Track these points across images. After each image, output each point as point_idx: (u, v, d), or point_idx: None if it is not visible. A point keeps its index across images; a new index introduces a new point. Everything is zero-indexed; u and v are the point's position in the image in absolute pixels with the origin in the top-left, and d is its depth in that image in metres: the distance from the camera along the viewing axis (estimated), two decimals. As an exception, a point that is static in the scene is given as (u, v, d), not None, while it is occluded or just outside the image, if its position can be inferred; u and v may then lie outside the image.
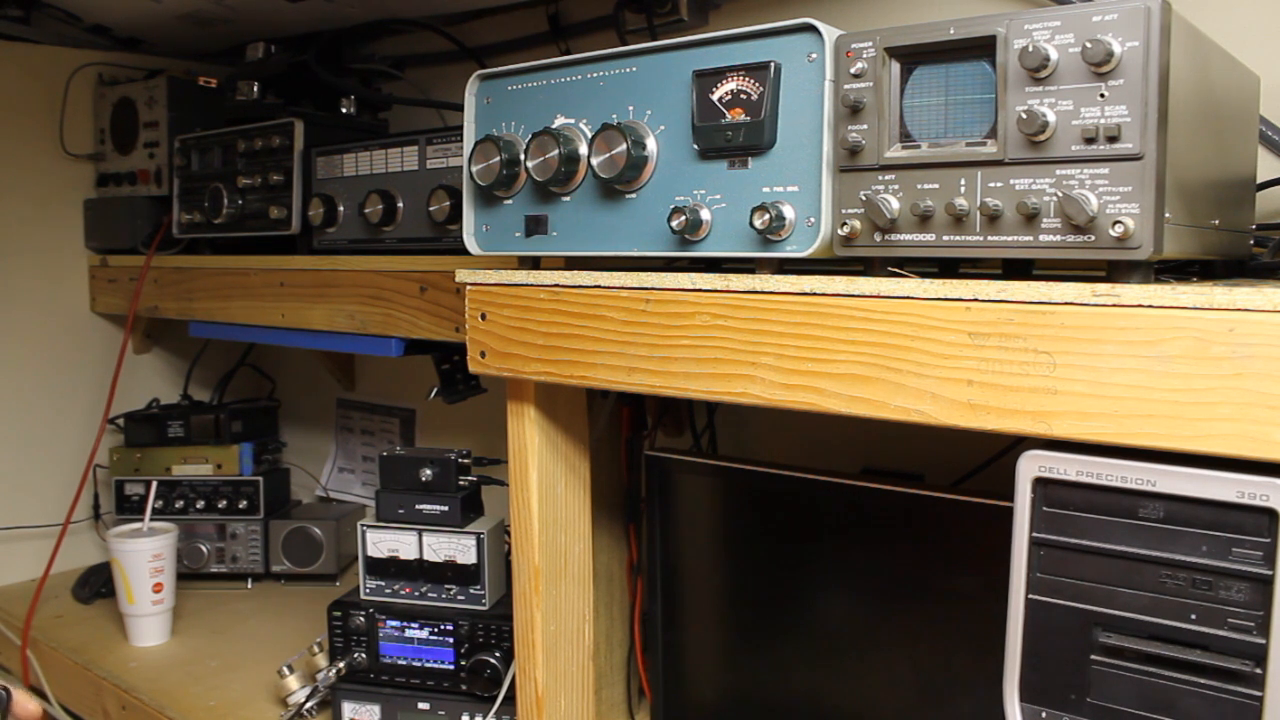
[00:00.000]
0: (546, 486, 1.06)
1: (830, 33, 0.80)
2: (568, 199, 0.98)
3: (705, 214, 0.88)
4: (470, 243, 1.05)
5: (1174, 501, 0.65)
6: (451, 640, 1.29)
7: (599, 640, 1.20)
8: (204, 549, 1.82)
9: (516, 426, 1.05)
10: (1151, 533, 0.66)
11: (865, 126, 0.77)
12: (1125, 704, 0.67)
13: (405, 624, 1.30)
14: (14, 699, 1.12)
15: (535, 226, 1.00)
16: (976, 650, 0.94)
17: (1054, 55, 0.68)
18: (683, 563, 1.17)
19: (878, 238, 0.78)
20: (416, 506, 1.32)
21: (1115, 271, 0.69)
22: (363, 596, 1.34)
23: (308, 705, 1.33)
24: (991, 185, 0.72)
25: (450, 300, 1.25)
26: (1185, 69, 0.69)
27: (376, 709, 1.32)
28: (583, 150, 0.95)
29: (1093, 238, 0.68)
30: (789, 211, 0.83)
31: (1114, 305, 0.64)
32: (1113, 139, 0.66)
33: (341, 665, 1.32)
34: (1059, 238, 0.69)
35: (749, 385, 0.82)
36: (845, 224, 0.79)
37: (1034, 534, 0.70)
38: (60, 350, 1.93)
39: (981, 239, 0.73)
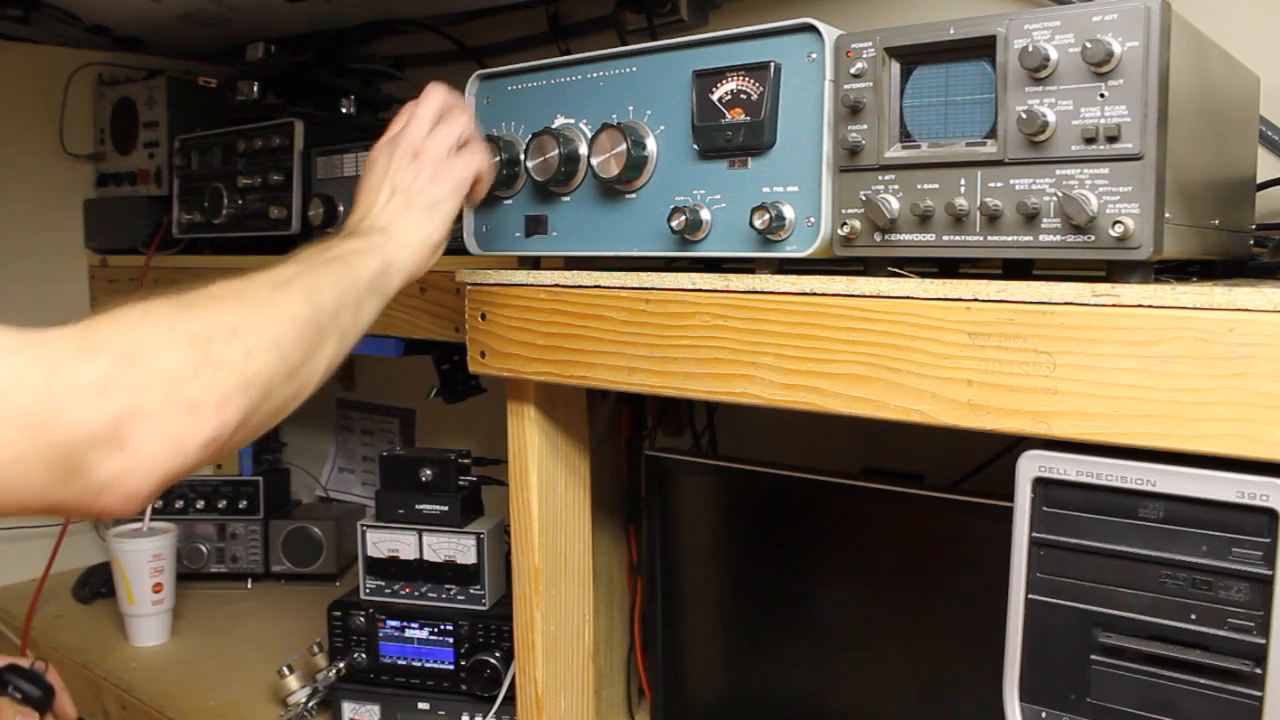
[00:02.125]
0: (546, 486, 1.06)
1: (830, 33, 0.80)
2: (568, 199, 0.98)
3: (705, 214, 0.88)
4: (470, 243, 1.05)
5: (1174, 501, 0.65)
6: (451, 640, 1.29)
7: (599, 640, 1.20)
8: (204, 549, 1.82)
9: (516, 426, 1.05)
10: (1151, 533, 0.66)
11: (865, 126, 0.77)
12: (1125, 704, 0.67)
13: (405, 624, 1.30)
14: (56, 699, 1.12)
15: (535, 226, 1.00)
16: (976, 650, 0.94)
17: (1054, 55, 0.68)
18: (683, 563, 1.17)
19: (878, 238, 0.78)
20: (416, 506, 1.32)
21: (1115, 271, 0.69)
22: (363, 596, 1.34)
23: (308, 705, 1.33)
24: (991, 185, 0.72)
25: (450, 300, 1.25)
26: (1185, 69, 0.69)
27: (376, 709, 1.32)
28: (583, 150, 0.95)
29: (1093, 238, 0.68)
30: (789, 211, 0.83)
31: (1114, 305, 0.64)
32: (1113, 139, 0.66)
33: (341, 665, 1.32)
34: (1059, 238, 0.69)
35: (749, 385, 0.82)
36: (845, 224, 0.79)
37: (1034, 534, 0.70)
38: (60, 350, 1.93)
39: (981, 239, 0.73)
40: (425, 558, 1.31)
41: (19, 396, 0.57)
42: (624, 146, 0.90)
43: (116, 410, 0.60)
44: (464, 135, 0.93)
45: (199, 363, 0.65)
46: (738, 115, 0.85)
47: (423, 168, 0.90)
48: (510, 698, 1.19)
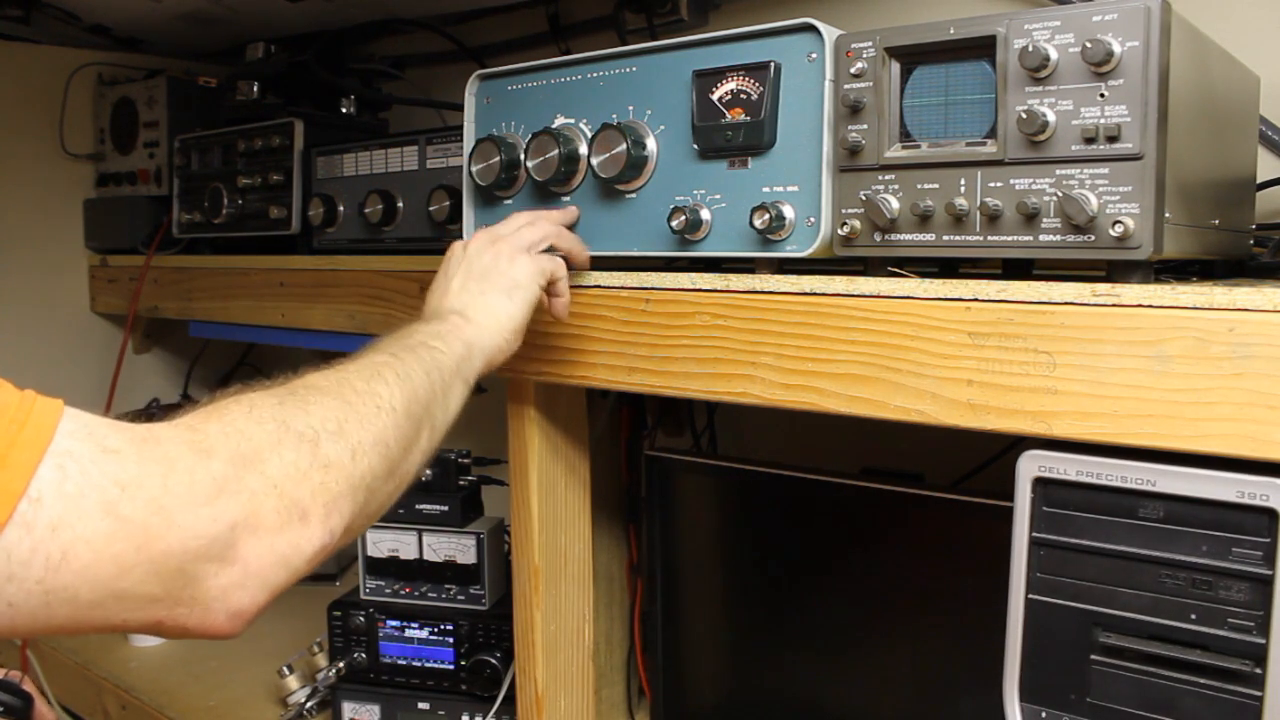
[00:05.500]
0: (546, 486, 1.06)
1: (830, 33, 0.80)
2: (568, 199, 0.98)
3: (705, 214, 0.88)
4: (470, 243, 1.05)
5: (1174, 501, 0.65)
6: (451, 640, 1.29)
7: (599, 640, 1.20)
8: (204, 549, 1.82)
9: (516, 426, 1.05)
10: (1151, 533, 0.66)
11: (865, 126, 0.77)
12: (1125, 704, 0.67)
13: (405, 624, 1.30)
14: (35, 707, 1.11)
15: (535, 226, 1.00)
16: (976, 650, 0.94)
17: (1054, 55, 0.68)
18: (683, 563, 1.17)
19: (878, 238, 0.78)
20: (416, 506, 1.32)
21: (1115, 271, 0.69)
22: (363, 596, 1.34)
23: (308, 705, 1.33)
24: (991, 185, 0.72)
25: (450, 300, 1.24)
26: (1185, 69, 0.69)
27: (376, 709, 1.32)
28: (583, 150, 0.95)
29: (1093, 238, 0.68)
30: (789, 211, 0.83)
31: (1114, 305, 0.65)
32: (1113, 139, 0.66)
33: (341, 665, 1.32)
34: (1059, 238, 0.69)
35: (749, 385, 0.82)
36: (845, 224, 0.79)
37: (1034, 534, 0.70)
38: (60, 350, 1.93)
39: (981, 239, 0.73)
40: (425, 558, 1.31)
41: (130, 504, 0.53)
42: (624, 146, 0.90)
43: (230, 519, 0.57)
44: (547, 239, 0.91)
45: (308, 465, 0.61)
46: (738, 115, 0.85)
47: (500, 253, 0.88)
48: (510, 698, 1.19)
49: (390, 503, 0.71)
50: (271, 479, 0.59)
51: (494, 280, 0.86)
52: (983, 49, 0.72)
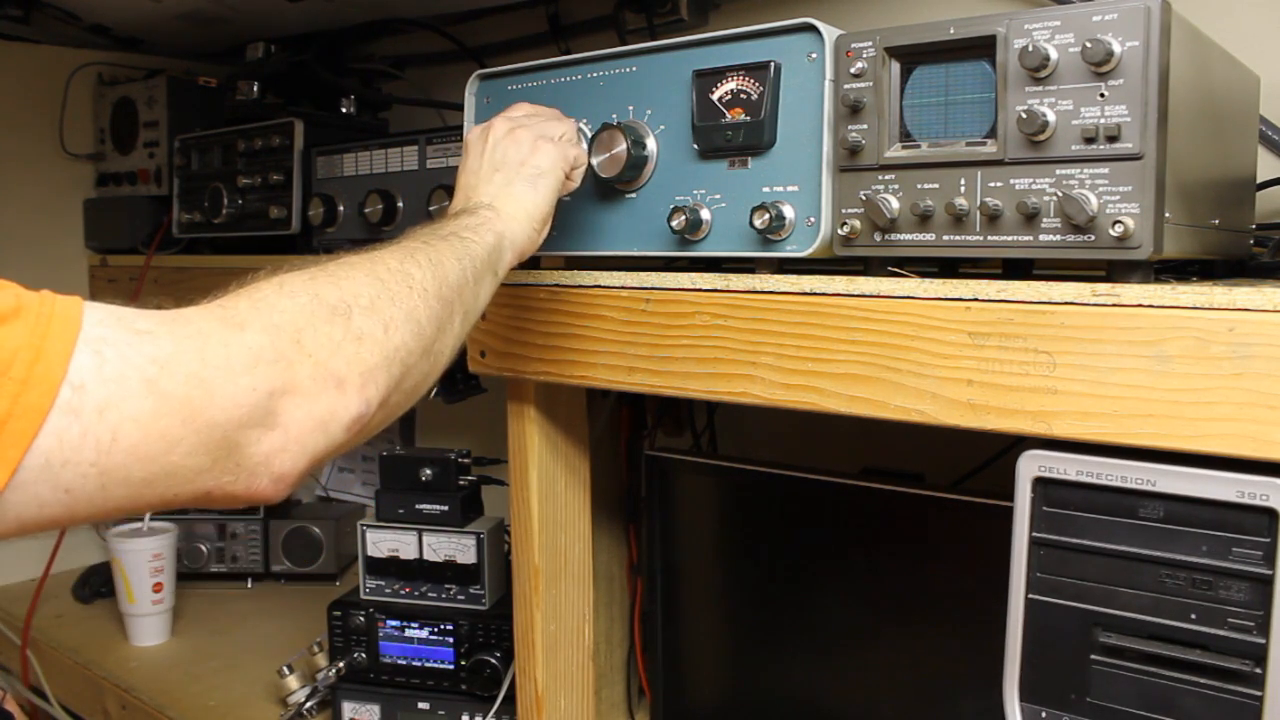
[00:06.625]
0: (546, 486, 1.06)
1: (830, 32, 0.80)
2: (567, 198, 0.98)
3: (705, 214, 0.88)
4: (470, 243, 1.05)
5: (1174, 501, 0.65)
6: (451, 640, 1.29)
7: (599, 640, 1.20)
8: (204, 549, 1.82)
9: (516, 426, 1.05)
10: (1151, 532, 0.66)
11: (865, 126, 0.77)
12: (1125, 704, 0.67)
13: (405, 624, 1.30)
14: None
15: (535, 226, 1.00)
16: (976, 650, 0.94)
17: (1054, 55, 0.68)
18: (683, 563, 1.17)
19: (878, 237, 0.78)
20: (416, 506, 1.32)
21: (1115, 271, 0.69)
22: (363, 596, 1.34)
23: (308, 705, 1.33)
24: (991, 185, 0.72)
25: (450, 300, 1.24)
26: (1185, 69, 0.69)
27: (376, 709, 1.32)
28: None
29: (1093, 237, 0.68)
30: (789, 211, 0.83)
31: (1114, 305, 0.64)
32: (1113, 139, 0.66)
33: (341, 665, 1.32)
34: (1059, 238, 0.69)
35: (749, 385, 0.82)
36: (845, 224, 0.79)
37: (1034, 534, 0.70)
38: (60, 350, 1.93)
39: (981, 239, 0.73)
40: (425, 558, 1.31)
41: (170, 380, 0.54)
42: (624, 146, 0.90)
43: (268, 387, 0.58)
44: (568, 135, 0.91)
45: (342, 337, 0.63)
46: (738, 115, 0.85)
47: (521, 141, 0.87)
48: (510, 698, 1.19)
49: (427, 383, 0.72)
50: (306, 348, 0.61)
51: (517, 170, 0.86)
52: (983, 49, 0.72)
